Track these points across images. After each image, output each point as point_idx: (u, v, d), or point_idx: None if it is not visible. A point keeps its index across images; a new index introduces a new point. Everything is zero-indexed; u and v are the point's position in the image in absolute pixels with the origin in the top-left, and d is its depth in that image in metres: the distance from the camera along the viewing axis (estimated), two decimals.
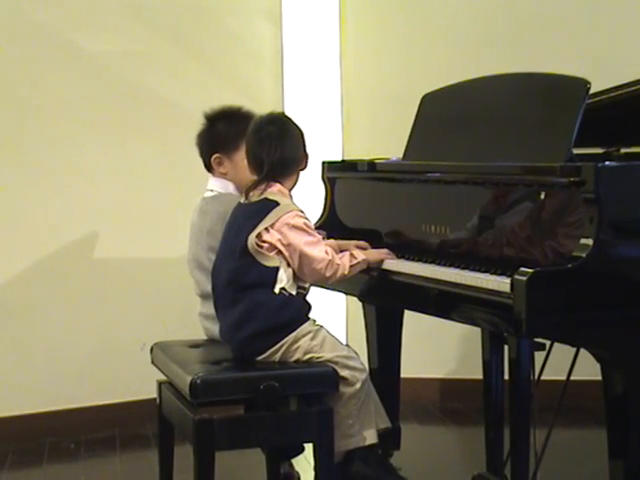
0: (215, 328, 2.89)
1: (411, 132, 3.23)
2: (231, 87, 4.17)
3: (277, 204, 2.73)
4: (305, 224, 2.74)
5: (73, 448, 3.87)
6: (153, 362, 3.01)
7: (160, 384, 2.94)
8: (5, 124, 3.94)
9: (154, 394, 2.98)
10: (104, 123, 4.06)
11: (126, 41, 4.09)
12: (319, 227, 3.09)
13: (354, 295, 3.29)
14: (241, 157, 3.03)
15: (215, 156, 3.11)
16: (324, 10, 4.37)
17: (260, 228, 2.70)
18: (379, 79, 4.42)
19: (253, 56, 4.32)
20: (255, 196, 2.78)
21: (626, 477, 2.46)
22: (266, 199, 2.76)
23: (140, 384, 3.81)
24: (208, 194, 3.13)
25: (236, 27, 4.28)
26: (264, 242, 2.70)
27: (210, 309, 2.91)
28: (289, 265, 2.72)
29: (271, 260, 2.70)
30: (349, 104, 4.41)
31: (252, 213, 2.74)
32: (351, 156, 3.14)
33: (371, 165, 3.19)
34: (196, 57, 4.21)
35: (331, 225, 3.26)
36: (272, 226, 2.71)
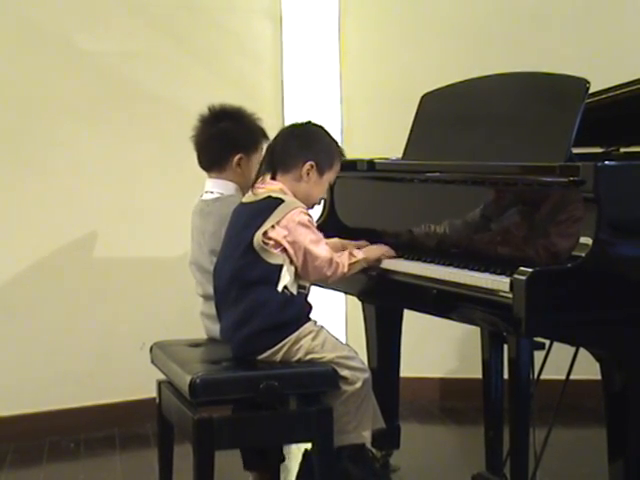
0: (216, 327, 2.89)
1: (410, 132, 3.23)
2: (231, 87, 4.16)
3: (282, 201, 2.75)
4: (309, 221, 2.76)
5: (73, 447, 3.87)
6: (153, 361, 3.01)
7: (160, 383, 2.94)
8: (5, 124, 3.93)
9: (154, 394, 2.98)
10: (104, 123, 4.06)
11: (126, 41, 4.09)
12: (319, 226, 3.08)
13: (353, 295, 3.30)
14: (257, 159, 3.04)
15: (239, 156, 3.07)
16: (324, 10, 4.37)
17: (267, 225, 2.71)
18: (379, 79, 4.42)
19: (253, 56, 4.32)
20: (258, 194, 2.79)
21: (626, 477, 2.46)
22: (270, 197, 2.77)
23: (140, 384, 3.80)
24: (208, 196, 3.09)
25: (236, 27, 4.28)
26: (270, 239, 2.70)
27: (211, 309, 2.91)
28: (292, 263, 2.73)
29: (275, 257, 2.71)
30: (349, 104, 4.42)
31: (257, 211, 2.75)
32: (351, 156, 3.14)
33: (370, 164, 3.20)
34: (196, 57, 4.21)
35: (331, 224, 3.26)
36: (278, 223, 2.71)
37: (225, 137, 3.08)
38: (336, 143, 2.92)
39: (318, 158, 2.83)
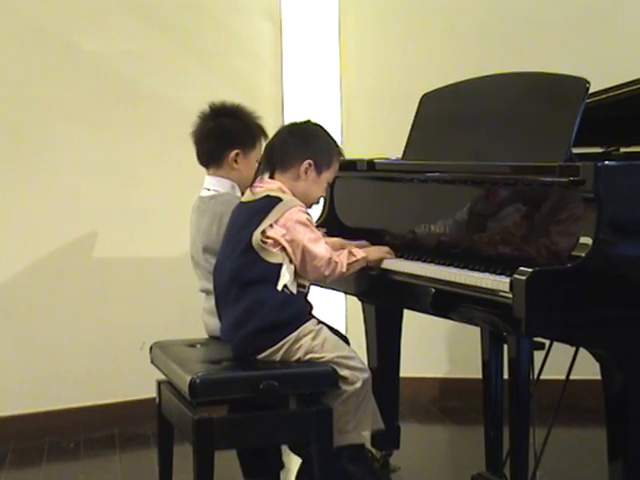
0: (214, 322, 2.89)
1: (410, 132, 3.23)
2: (231, 87, 4.16)
3: (280, 200, 2.75)
4: (308, 219, 2.75)
5: (73, 447, 3.87)
6: (152, 361, 3.01)
7: (159, 383, 2.94)
8: (4, 124, 3.93)
9: (154, 394, 2.98)
10: (103, 122, 4.06)
11: (126, 41, 4.09)
12: (319, 226, 3.09)
13: (353, 295, 3.30)
14: (255, 156, 3.05)
15: (235, 152, 3.07)
16: (324, 10, 4.37)
17: (265, 224, 2.71)
18: (379, 79, 4.42)
19: (253, 56, 4.32)
20: (257, 193, 2.79)
21: (626, 477, 2.46)
22: (268, 196, 2.77)
23: (140, 384, 3.81)
24: (205, 193, 3.11)
25: (236, 27, 4.28)
26: (268, 238, 2.71)
27: (209, 303, 2.93)
28: (291, 262, 2.73)
29: (274, 256, 2.71)
30: (349, 104, 4.42)
31: (256, 210, 2.75)
32: (351, 156, 3.14)
33: (370, 164, 3.20)
34: (196, 57, 4.21)
35: (330, 224, 3.26)
36: (276, 222, 2.71)
37: (222, 132, 3.09)
38: (335, 143, 2.91)
39: (316, 157, 2.83)
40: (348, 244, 2.99)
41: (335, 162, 2.88)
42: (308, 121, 2.93)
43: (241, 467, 3.10)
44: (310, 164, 2.82)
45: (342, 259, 2.79)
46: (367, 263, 2.86)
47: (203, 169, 3.17)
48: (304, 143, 2.83)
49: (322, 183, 2.86)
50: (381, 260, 2.88)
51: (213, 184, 3.10)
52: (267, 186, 2.81)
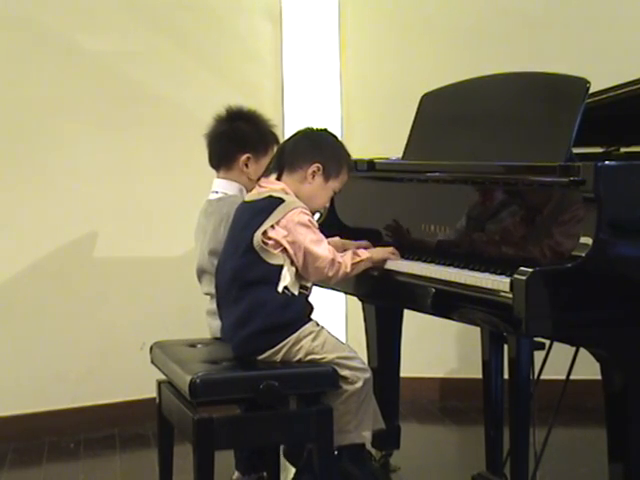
0: (219, 324, 2.89)
1: (410, 132, 3.23)
2: (231, 87, 4.16)
3: (282, 201, 2.75)
4: (309, 221, 2.75)
5: (73, 447, 3.87)
6: (153, 361, 3.01)
7: (160, 383, 2.94)
8: (5, 124, 3.93)
9: (154, 394, 2.98)
10: (104, 123, 4.06)
11: (126, 41, 4.09)
12: (318, 227, 3.08)
13: (353, 295, 3.30)
14: (266, 162, 3.06)
15: (247, 156, 3.08)
16: (324, 10, 4.37)
17: (266, 225, 2.71)
18: (379, 79, 4.42)
19: (253, 56, 4.32)
20: (260, 193, 2.79)
21: (626, 477, 2.46)
22: (271, 196, 2.77)
23: (140, 384, 3.81)
24: (213, 196, 3.11)
25: (236, 27, 4.28)
26: (270, 239, 2.71)
27: (214, 306, 2.92)
28: (293, 263, 2.73)
29: (275, 258, 2.71)
30: (349, 104, 4.42)
31: (258, 210, 2.75)
32: (351, 156, 3.14)
33: (371, 164, 3.20)
34: (196, 57, 4.21)
35: (331, 224, 3.26)
36: (278, 223, 2.71)
37: (235, 135, 3.10)
38: (348, 155, 2.91)
39: (326, 162, 2.83)
40: (349, 244, 2.99)
41: (344, 173, 2.88)
42: (325, 129, 2.93)
43: (236, 462, 3.11)
44: (318, 168, 2.82)
45: (346, 260, 2.79)
46: (372, 263, 2.85)
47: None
48: (316, 146, 2.84)
49: (328, 191, 2.86)
50: (386, 260, 2.87)
51: (222, 187, 3.10)
52: (271, 186, 2.81)
